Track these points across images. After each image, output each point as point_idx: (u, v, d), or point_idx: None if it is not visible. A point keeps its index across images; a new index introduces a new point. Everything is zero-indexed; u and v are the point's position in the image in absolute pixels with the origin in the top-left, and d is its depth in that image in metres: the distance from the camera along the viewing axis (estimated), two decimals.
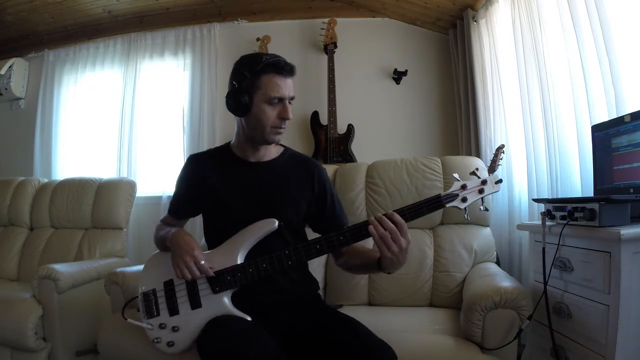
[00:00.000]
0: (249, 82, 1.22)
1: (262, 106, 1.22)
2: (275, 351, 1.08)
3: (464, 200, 1.13)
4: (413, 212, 1.13)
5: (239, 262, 1.22)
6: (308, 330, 1.20)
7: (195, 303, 1.22)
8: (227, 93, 1.25)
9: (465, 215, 1.15)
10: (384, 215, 1.10)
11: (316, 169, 1.38)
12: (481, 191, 1.13)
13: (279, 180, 1.33)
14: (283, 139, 1.33)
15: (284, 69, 1.22)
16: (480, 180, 1.14)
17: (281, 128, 1.27)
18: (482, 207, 1.16)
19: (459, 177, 1.16)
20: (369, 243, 1.37)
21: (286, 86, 1.23)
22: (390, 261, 1.12)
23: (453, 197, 1.13)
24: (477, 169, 1.16)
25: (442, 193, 1.14)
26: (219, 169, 1.35)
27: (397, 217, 1.09)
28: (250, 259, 1.22)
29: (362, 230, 1.14)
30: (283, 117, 1.24)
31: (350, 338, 1.12)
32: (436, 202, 1.13)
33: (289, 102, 1.25)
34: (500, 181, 1.14)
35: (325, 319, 1.24)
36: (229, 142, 1.40)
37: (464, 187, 1.13)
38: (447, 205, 1.13)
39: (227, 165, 1.35)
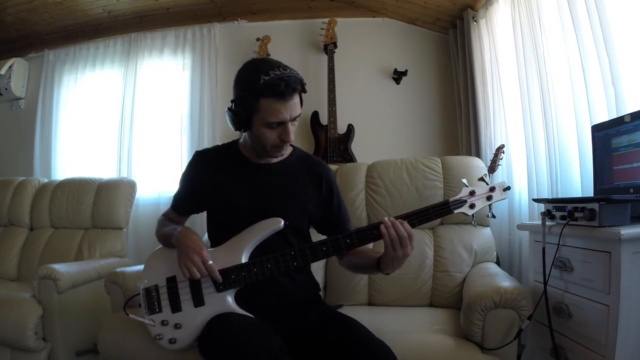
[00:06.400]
0: (246, 104, 1.16)
1: (261, 129, 1.18)
2: (277, 344, 1.06)
3: (472, 206, 1.15)
4: (421, 217, 1.15)
5: (243, 261, 1.21)
6: (310, 330, 1.20)
7: (198, 301, 1.21)
8: (227, 109, 1.22)
9: (473, 222, 1.17)
10: (397, 220, 1.13)
11: (324, 171, 1.39)
12: (489, 198, 1.15)
13: (285, 181, 1.32)
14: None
15: (285, 93, 1.12)
16: (488, 187, 1.15)
17: (282, 148, 1.25)
18: (489, 214, 1.17)
19: (467, 182, 1.17)
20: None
21: (287, 109, 1.14)
22: (391, 261, 1.14)
23: (461, 203, 1.15)
24: (485, 174, 1.18)
25: (451, 199, 1.15)
26: (226, 167, 1.33)
27: (408, 227, 1.12)
28: (253, 258, 1.22)
29: (369, 235, 1.16)
30: (283, 139, 1.20)
31: (351, 341, 1.11)
32: (444, 208, 1.15)
33: (293, 121, 1.19)
34: (508, 188, 1.16)
35: (327, 320, 1.24)
36: (237, 139, 1.38)
37: (472, 193, 1.15)
38: (455, 212, 1.15)
39: (233, 164, 1.33)
